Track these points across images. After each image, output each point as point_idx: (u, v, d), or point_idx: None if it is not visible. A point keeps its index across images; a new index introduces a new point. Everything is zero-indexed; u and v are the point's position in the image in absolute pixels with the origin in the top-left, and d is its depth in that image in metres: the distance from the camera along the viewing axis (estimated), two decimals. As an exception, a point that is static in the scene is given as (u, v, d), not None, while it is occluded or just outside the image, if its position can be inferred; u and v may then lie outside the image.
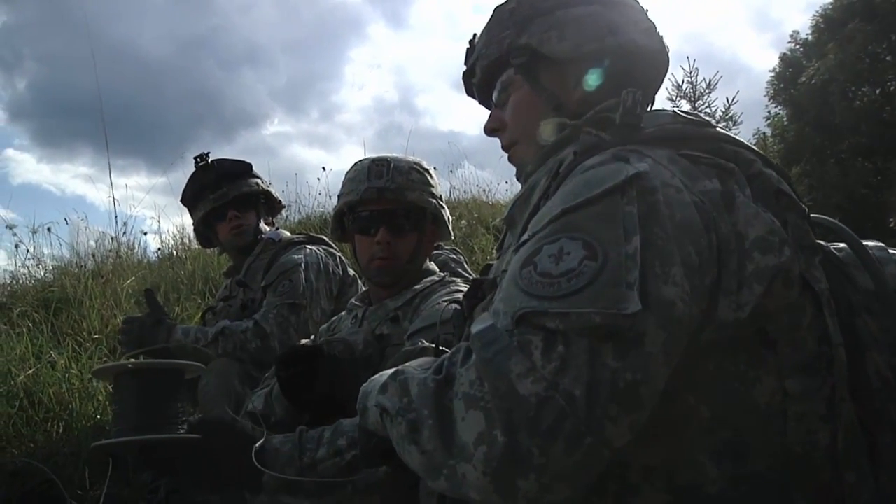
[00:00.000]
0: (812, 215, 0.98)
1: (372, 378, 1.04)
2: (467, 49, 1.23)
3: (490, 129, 1.22)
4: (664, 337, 0.74)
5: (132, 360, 1.41)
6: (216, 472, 1.29)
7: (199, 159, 2.72)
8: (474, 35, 1.22)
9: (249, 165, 2.75)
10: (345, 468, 1.30)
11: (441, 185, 1.87)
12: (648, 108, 1.15)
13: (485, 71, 1.18)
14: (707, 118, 1.03)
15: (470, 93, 1.27)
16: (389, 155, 1.80)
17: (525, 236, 0.86)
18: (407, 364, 0.89)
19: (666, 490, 0.83)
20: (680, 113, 1.00)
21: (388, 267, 1.75)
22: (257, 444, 1.27)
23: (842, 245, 1.05)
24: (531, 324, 0.74)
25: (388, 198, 1.72)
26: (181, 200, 2.80)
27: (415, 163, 1.80)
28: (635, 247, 0.76)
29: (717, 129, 0.98)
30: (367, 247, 1.76)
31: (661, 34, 1.14)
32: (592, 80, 1.10)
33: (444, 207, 1.82)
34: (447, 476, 0.74)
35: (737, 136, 0.98)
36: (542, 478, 0.69)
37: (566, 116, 1.09)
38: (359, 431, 1.07)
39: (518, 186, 1.13)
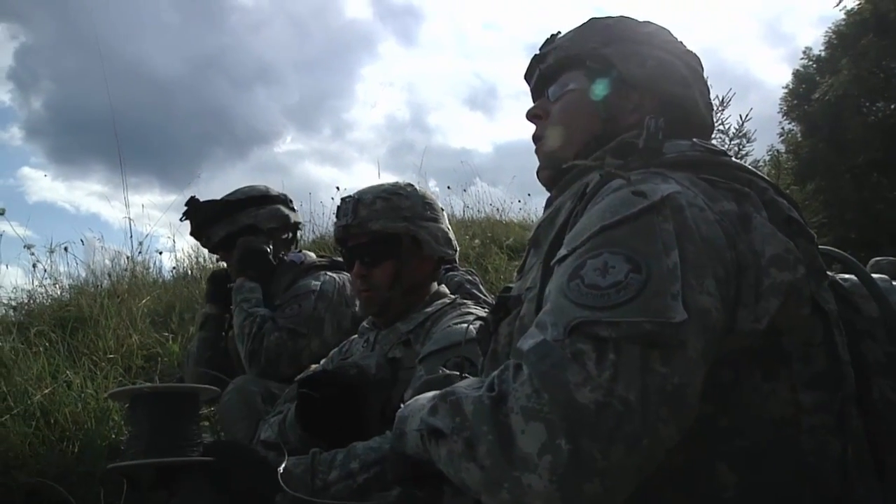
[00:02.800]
0: (820, 247, 1.03)
1: (407, 404, 1.07)
2: (547, 39, 1.29)
3: (532, 115, 1.28)
4: (703, 344, 0.80)
5: (147, 383, 1.43)
6: (230, 494, 1.30)
7: (187, 206, 2.70)
8: (559, 31, 1.29)
9: (236, 203, 2.68)
10: (357, 491, 1.32)
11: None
12: None
13: (558, 61, 1.24)
14: (719, 141, 1.08)
15: (529, 76, 1.32)
16: (365, 188, 1.84)
17: (563, 251, 0.91)
18: (456, 385, 0.91)
19: (685, 495, 0.87)
20: (698, 143, 1.07)
21: (370, 299, 1.79)
22: (281, 467, 1.29)
23: (847, 276, 1.11)
24: (583, 333, 0.78)
25: (353, 233, 1.78)
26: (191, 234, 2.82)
27: (382, 191, 1.81)
28: (674, 261, 0.82)
29: (733, 159, 1.05)
30: (353, 282, 1.82)
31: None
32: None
33: (423, 227, 1.80)
34: (509, 489, 0.76)
35: (749, 165, 1.04)
36: (606, 481, 0.73)
37: (610, 134, 1.15)
38: (392, 456, 1.09)
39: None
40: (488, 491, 0.78)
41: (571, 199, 1.03)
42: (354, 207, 1.78)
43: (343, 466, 1.34)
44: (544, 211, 1.16)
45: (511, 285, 1.15)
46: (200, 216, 2.67)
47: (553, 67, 1.25)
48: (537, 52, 1.30)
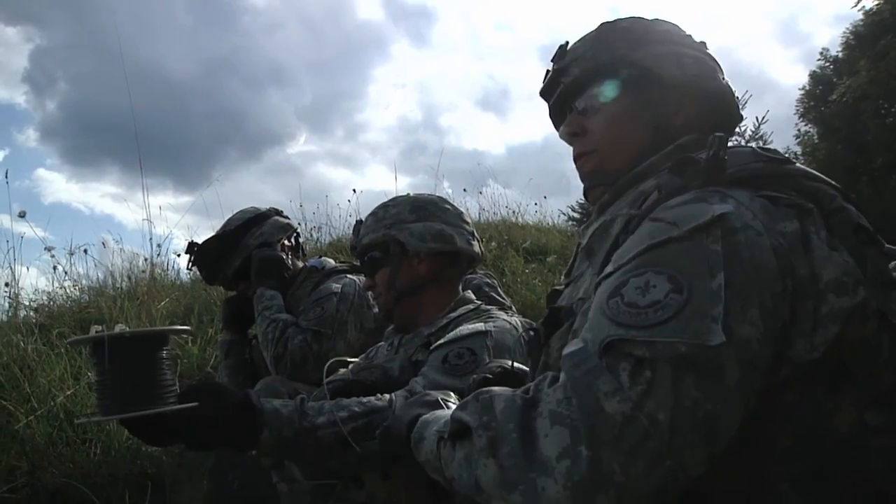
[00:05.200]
0: (886, 246, 0.98)
1: (434, 412, 1.08)
2: (559, 51, 1.23)
3: (569, 134, 1.22)
4: (740, 374, 0.76)
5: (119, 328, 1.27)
6: (210, 434, 1.27)
7: (189, 252, 2.72)
8: (567, 42, 1.24)
9: (238, 230, 2.68)
10: (341, 438, 1.34)
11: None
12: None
13: (585, 72, 1.18)
14: (735, 143, 1.04)
15: (549, 90, 1.27)
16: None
17: (609, 268, 0.89)
18: (492, 387, 0.91)
19: None
20: (760, 151, 1.01)
21: (378, 305, 1.98)
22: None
23: None
24: (618, 351, 0.77)
25: (359, 252, 1.92)
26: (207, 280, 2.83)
27: (376, 207, 1.91)
28: (719, 283, 0.78)
29: (798, 165, 0.99)
30: None
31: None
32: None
33: (404, 229, 1.82)
34: (523, 491, 0.75)
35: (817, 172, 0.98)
36: (622, 496, 0.72)
37: (663, 140, 1.11)
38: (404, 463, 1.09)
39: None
40: (502, 491, 0.78)
41: (627, 208, 1.00)
42: (357, 229, 1.95)
43: (331, 413, 1.37)
44: (595, 215, 1.13)
45: (558, 287, 1.13)
46: (209, 257, 2.68)
47: (580, 79, 1.19)
48: (553, 65, 1.24)
